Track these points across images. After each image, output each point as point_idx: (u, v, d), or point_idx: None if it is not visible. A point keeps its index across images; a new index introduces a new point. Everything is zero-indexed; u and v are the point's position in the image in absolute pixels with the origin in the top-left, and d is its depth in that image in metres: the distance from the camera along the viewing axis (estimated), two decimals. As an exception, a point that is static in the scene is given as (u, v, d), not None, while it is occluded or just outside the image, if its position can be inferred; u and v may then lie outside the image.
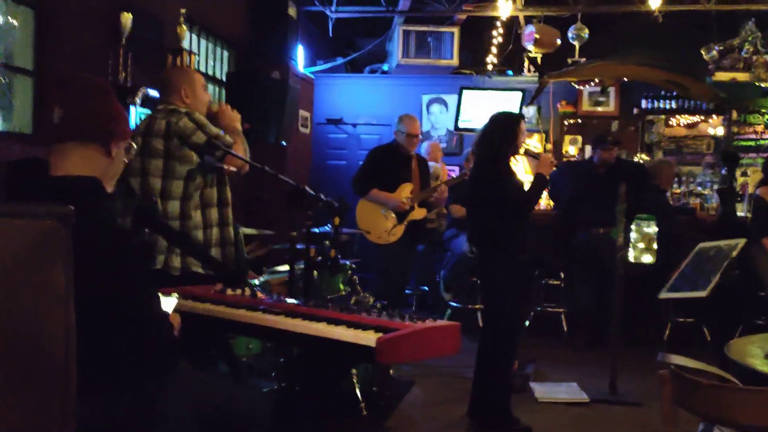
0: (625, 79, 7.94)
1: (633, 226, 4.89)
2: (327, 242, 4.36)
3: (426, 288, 7.16)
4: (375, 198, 5.41)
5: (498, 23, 8.29)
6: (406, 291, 6.51)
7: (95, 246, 1.64)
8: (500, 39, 8.45)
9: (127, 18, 4.87)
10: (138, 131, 3.23)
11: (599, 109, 8.60)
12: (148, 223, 2.83)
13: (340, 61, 8.83)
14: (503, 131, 4.05)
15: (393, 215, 5.41)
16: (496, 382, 4.04)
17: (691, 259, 3.21)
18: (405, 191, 5.46)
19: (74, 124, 1.86)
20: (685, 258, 3.36)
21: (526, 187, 4.21)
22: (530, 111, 8.40)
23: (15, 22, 4.56)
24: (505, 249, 4.02)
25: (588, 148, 8.35)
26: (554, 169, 4.23)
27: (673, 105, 8.46)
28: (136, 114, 4.77)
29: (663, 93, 8.38)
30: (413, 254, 5.81)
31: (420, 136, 5.62)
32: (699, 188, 8.02)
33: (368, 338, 2.16)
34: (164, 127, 3.15)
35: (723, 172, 7.83)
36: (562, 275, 6.51)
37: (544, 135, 8.50)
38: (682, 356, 2.23)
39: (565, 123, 8.64)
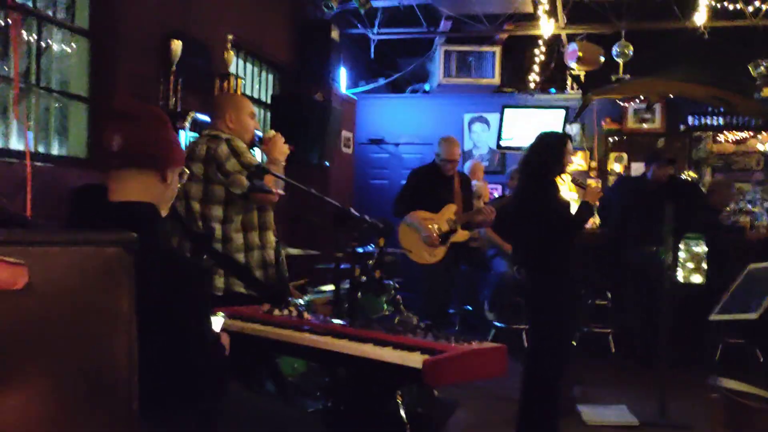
0: (671, 95, 7.84)
1: (682, 246, 4.81)
2: (371, 262, 4.40)
3: (470, 308, 7.13)
4: (410, 222, 5.43)
5: (540, 41, 8.29)
6: (450, 311, 6.50)
7: (154, 270, 1.69)
8: (542, 57, 8.44)
9: (177, 45, 5.01)
10: (192, 156, 3.32)
11: (645, 126, 8.50)
12: (207, 249, 2.91)
13: (381, 81, 8.92)
14: (550, 150, 4.02)
15: (437, 235, 5.41)
16: (543, 405, 4.00)
17: (741, 280, 3.16)
18: (449, 212, 5.45)
19: (132, 151, 1.92)
20: (736, 279, 3.30)
21: (572, 207, 4.18)
22: (574, 129, 8.35)
23: (70, 50, 4.73)
24: (552, 270, 3.99)
25: (634, 166, 8.26)
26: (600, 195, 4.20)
27: (721, 121, 8.31)
28: (185, 138, 4.89)
29: (710, 109, 8.25)
30: (456, 274, 5.80)
31: (457, 161, 5.60)
32: (749, 206, 7.86)
33: (414, 360, 2.17)
34: (204, 152, 3.22)
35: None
36: (610, 295, 6.42)
37: (588, 153, 8.43)
38: (734, 380, 2.19)
39: (610, 140, 8.56)
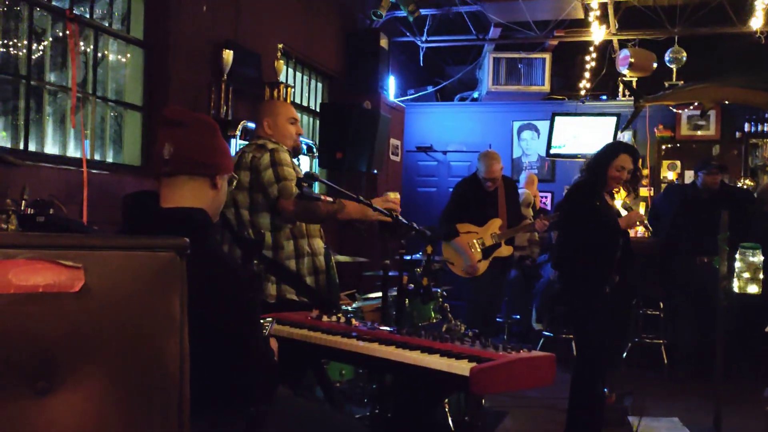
0: (726, 102, 7.65)
1: (737, 255, 4.68)
2: (418, 270, 4.39)
3: (518, 316, 7.07)
4: (455, 246, 5.38)
5: (591, 48, 8.19)
6: (498, 319, 6.45)
7: (205, 275, 1.73)
8: (593, 63, 8.33)
9: (228, 55, 5.10)
10: (240, 165, 3.36)
11: (699, 133, 8.31)
12: (257, 254, 2.94)
13: (430, 89, 8.92)
14: (598, 160, 4.01)
15: (479, 249, 5.37)
16: (583, 414, 3.95)
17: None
18: (493, 227, 5.40)
19: (183, 159, 1.96)
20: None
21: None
22: (626, 136, 8.21)
23: (125, 60, 4.86)
24: (586, 277, 3.95)
25: (688, 174, 8.08)
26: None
27: (778, 128, 8.08)
28: (236, 146, 4.97)
29: (767, 116, 8.02)
30: (503, 284, 5.72)
31: (498, 179, 5.44)
32: (807, 215, 7.59)
33: (462, 368, 2.16)
34: (249, 160, 3.26)
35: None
36: (662, 305, 6.30)
37: (641, 160, 8.27)
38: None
39: (663, 148, 8.40)
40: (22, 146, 4.02)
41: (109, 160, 4.73)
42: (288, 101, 5.79)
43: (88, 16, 4.50)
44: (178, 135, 1.98)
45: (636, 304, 6.34)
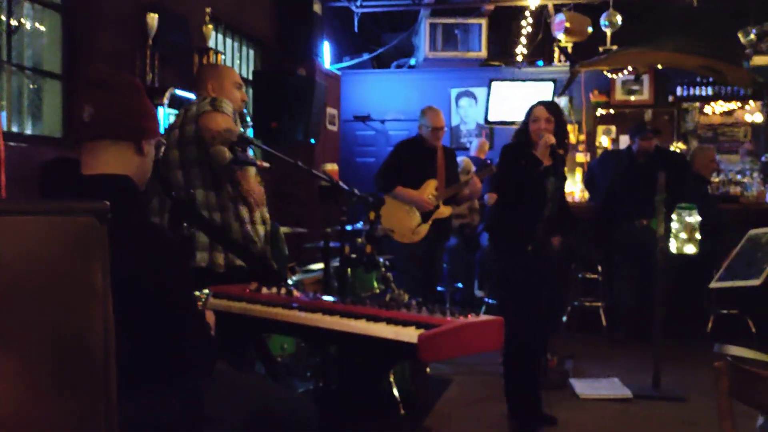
0: (660, 66, 7.76)
1: (674, 216, 4.75)
2: (360, 239, 4.29)
3: (460, 284, 7.06)
4: (399, 196, 5.20)
5: (527, 13, 8.16)
6: (439, 288, 6.41)
7: (131, 244, 1.59)
8: (529, 29, 8.32)
9: (153, 19, 4.85)
10: (175, 125, 3.18)
11: (633, 98, 8.43)
12: (189, 217, 2.77)
13: (366, 56, 8.76)
14: (523, 120, 4.00)
15: (417, 214, 5.21)
16: (517, 380, 3.96)
17: (741, 246, 3.09)
18: (429, 188, 5.24)
19: (105, 121, 1.82)
20: (733, 247, 3.24)
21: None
22: (562, 101, 8.25)
23: (42, 28, 4.56)
24: (507, 235, 3.95)
25: (622, 139, 8.20)
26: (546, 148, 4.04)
27: (710, 92, 8.26)
28: (164, 115, 4.75)
29: (699, 80, 8.19)
30: (441, 251, 5.59)
31: (443, 129, 5.37)
32: (738, 176, 7.82)
33: (410, 334, 2.09)
34: (195, 110, 3.07)
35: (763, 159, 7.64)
36: (600, 269, 6.38)
37: (576, 126, 8.35)
38: (738, 347, 2.12)
39: (598, 113, 8.48)
40: (-71, 117, 3.73)
41: (28, 132, 4.45)
42: (225, 66, 5.56)
43: (-2, -23, 4.19)
44: (100, 96, 1.83)
45: (574, 268, 6.40)
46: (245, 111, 6.15)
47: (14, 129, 4.30)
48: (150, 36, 4.86)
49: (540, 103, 4.01)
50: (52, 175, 1.83)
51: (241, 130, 3.06)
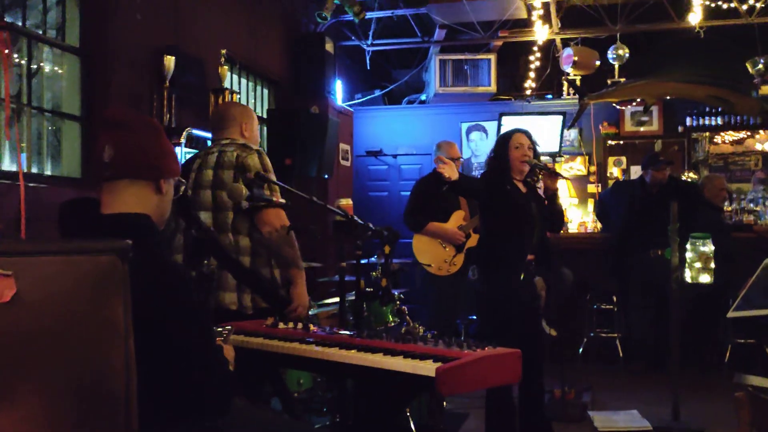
0: (669, 97, 7.80)
1: (688, 246, 4.74)
2: (374, 273, 4.32)
3: (475, 317, 7.02)
4: (432, 232, 5.30)
5: (535, 47, 8.26)
6: (456, 321, 6.39)
7: (149, 283, 1.62)
8: (538, 63, 8.40)
9: (169, 61, 4.96)
10: (201, 165, 3.21)
11: (642, 129, 8.46)
12: (216, 256, 2.81)
13: (377, 93, 8.88)
14: (495, 151, 4.05)
15: (452, 245, 5.30)
16: (497, 420, 3.89)
17: (757, 276, 3.08)
18: (458, 219, 5.35)
19: (125, 161, 1.86)
20: (749, 276, 3.23)
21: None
22: (572, 134, 8.31)
23: (61, 71, 4.67)
24: (500, 266, 3.92)
25: (633, 169, 8.21)
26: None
27: (719, 121, 8.27)
28: (182, 154, 4.82)
29: (708, 109, 8.21)
30: (464, 282, 5.62)
31: (461, 159, 5.49)
32: (751, 205, 7.79)
33: (427, 368, 2.09)
34: (235, 158, 3.12)
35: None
36: (615, 299, 6.35)
37: (587, 157, 8.39)
38: (759, 377, 2.11)
39: (608, 144, 8.52)
40: (-48, 160, 3.82)
41: (48, 172, 4.53)
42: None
43: (21, 24, 4.31)
44: (119, 137, 1.87)
45: (589, 298, 6.38)
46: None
47: (34, 170, 4.38)
48: (167, 77, 4.96)
49: (518, 130, 4.07)
50: (72, 215, 1.84)
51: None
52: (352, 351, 2.34)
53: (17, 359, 1.08)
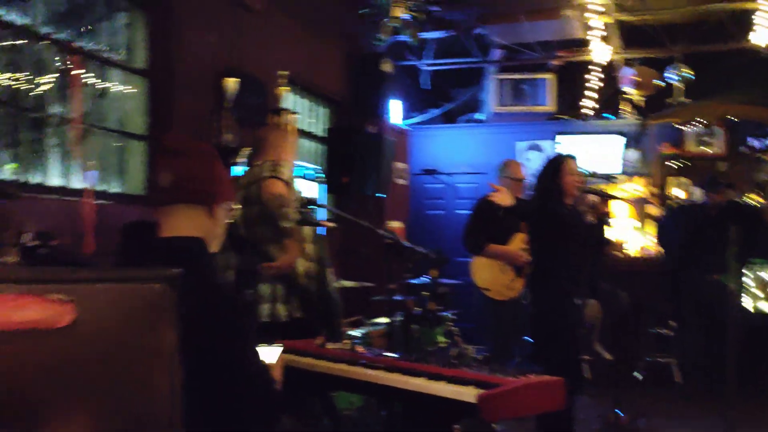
0: (732, 117, 7.62)
1: (747, 271, 4.63)
2: (425, 293, 4.34)
3: (530, 339, 6.96)
4: (492, 254, 5.12)
5: (594, 67, 8.18)
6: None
7: (200, 304, 1.69)
8: (598, 83, 8.32)
9: (231, 82, 5.12)
10: (241, 184, 3.35)
11: (705, 149, 8.26)
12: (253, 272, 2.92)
13: (434, 112, 8.92)
14: (548, 173, 4.07)
15: (510, 268, 5.13)
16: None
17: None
18: (518, 242, 5.12)
19: (180, 187, 1.94)
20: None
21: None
22: (632, 155, 8.18)
23: (128, 91, 4.87)
24: (557, 288, 3.91)
25: (696, 191, 8.02)
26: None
27: (786, 142, 8.02)
28: (241, 173, 4.95)
29: (774, 130, 7.97)
30: (521, 306, 5.52)
31: (524, 182, 5.29)
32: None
33: (469, 394, 2.13)
34: (257, 174, 3.25)
35: None
36: (672, 323, 6.22)
37: (648, 178, 8.24)
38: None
39: (670, 165, 8.34)
40: (26, 179, 4.02)
41: (113, 190, 4.72)
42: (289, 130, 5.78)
43: (91, 47, 4.52)
44: (177, 164, 1.96)
45: (645, 322, 6.27)
46: (318, 168, 6.38)
47: (101, 188, 4.58)
48: (228, 99, 5.12)
49: (570, 156, 4.12)
50: (133, 237, 1.96)
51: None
52: (397, 374, 2.38)
53: (72, 381, 1.16)
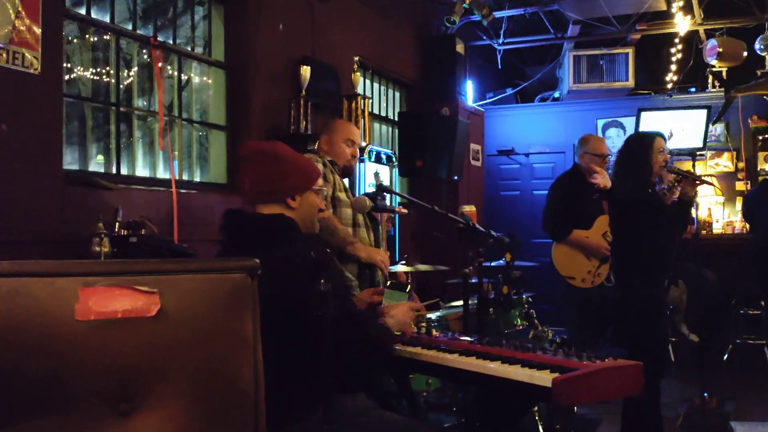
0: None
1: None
2: (501, 276, 4.32)
3: (615, 322, 6.84)
4: (575, 243, 4.83)
5: (676, 39, 7.90)
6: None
7: (284, 277, 1.95)
8: (679, 55, 8.03)
9: (306, 71, 5.20)
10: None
11: (797, 121, 7.87)
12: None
13: (509, 91, 8.81)
14: (635, 152, 3.93)
15: (605, 246, 4.81)
16: (642, 421, 3.80)
17: None
18: (602, 225, 4.82)
19: (255, 191, 2.24)
20: None
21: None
22: (717, 128, 7.88)
23: (208, 83, 5.03)
24: (641, 272, 3.82)
25: (787, 166, 7.68)
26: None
27: None
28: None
29: None
30: (606, 290, 5.03)
31: (608, 158, 4.91)
32: None
33: (544, 378, 2.12)
34: None
35: None
36: (763, 303, 5.99)
37: (734, 153, 7.92)
38: None
39: (759, 139, 7.99)
40: (114, 170, 4.22)
41: (197, 179, 4.90)
42: (366, 112, 5.84)
43: (171, 42, 4.68)
44: (249, 169, 2.25)
45: (735, 303, 6.06)
46: (390, 152, 6.41)
47: (185, 177, 4.76)
48: (303, 86, 5.21)
49: (659, 134, 3.96)
50: (230, 219, 2.21)
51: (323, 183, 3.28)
52: (472, 358, 2.40)
53: (160, 367, 1.24)
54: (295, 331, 1.97)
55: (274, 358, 1.68)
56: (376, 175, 5.09)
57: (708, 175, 5.93)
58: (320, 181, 2.37)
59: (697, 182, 3.99)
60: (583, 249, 4.86)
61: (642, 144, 3.93)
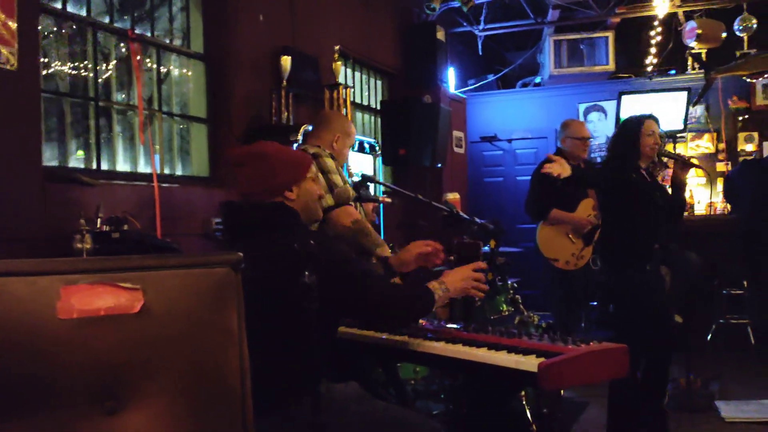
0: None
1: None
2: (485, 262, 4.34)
3: (595, 303, 6.90)
4: (556, 219, 4.92)
5: (656, 22, 7.93)
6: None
7: (277, 259, 2.02)
8: (659, 38, 8.06)
9: (286, 61, 5.17)
10: None
11: (777, 102, 7.93)
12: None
13: (491, 78, 8.81)
14: (623, 135, 3.92)
15: (580, 237, 4.96)
16: (619, 408, 3.83)
17: None
18: (586, 208, 4.94)
19: (250, 192, 2.27)
20: None
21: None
22: (698, 110, 7.93)
23: (187, 76, 4.99)
24: (626, 257, 3.83)
25: (766, 145, 7.74)
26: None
27: None
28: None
29: None
30: (590, 272, 5.22)
31: (589, 140, 5.04)
32: None
33: (530, 363, 2.13)
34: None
35: None
36: (746, 284, 6.06)
37: (715, 134, 7.98)
38: None
39: (739, 119, 8.05)
40: (95, 165, 4.19)
41: (179, 173, 4.87)
42: (348, 102, 5.82)
43: (149, 34, 4.64)
44: (240, 173, 2.28)
45: (718, 283, 6.12)
46: (373, 141, 6.40)
47: (166, 171, 4.73)
48: (284, 77, 5.18)
49: (650, 116, 3.93)
50: (227, 208, 2.25)
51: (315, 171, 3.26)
52: (458, 345, 2.41)
53: (145, 363, 1.24)
54: (282, 317, 2.00)
55: (262, 343, 1.70)
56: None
57: (690, 157, 5.96)
58: (313, 168, 2.39)
59: (687, 166, 3.99)
60: (566, 228, 4.95)
61: (630, 126, 3.93)
